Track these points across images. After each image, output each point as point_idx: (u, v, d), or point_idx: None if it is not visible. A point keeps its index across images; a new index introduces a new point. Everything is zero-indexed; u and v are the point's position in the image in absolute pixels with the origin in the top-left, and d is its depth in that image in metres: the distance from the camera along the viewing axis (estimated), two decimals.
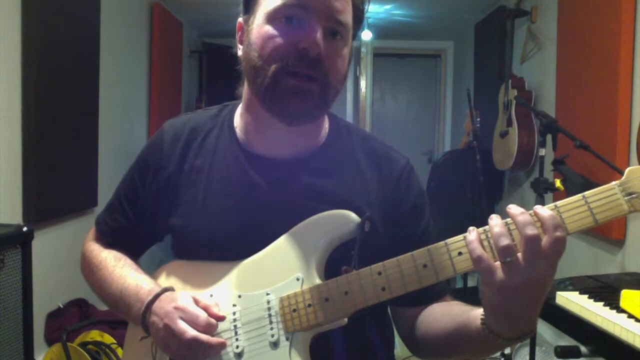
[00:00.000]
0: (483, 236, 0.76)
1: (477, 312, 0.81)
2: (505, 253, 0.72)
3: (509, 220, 0.74)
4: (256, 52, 0.89)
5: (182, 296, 0.88)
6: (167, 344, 0.86)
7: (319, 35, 0.86)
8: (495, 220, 0.75)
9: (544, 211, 0.73)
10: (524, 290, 0.72)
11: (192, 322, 0.84)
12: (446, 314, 0.92)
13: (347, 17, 0.90)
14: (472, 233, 0.76)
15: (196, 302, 0.87)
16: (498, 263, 0.73)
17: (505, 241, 0.72)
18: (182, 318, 0.85)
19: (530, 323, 0.76)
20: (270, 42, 0.87)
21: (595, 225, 0.74)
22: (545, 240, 0.71)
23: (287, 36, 0.87)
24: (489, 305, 0.77)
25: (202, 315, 0.85)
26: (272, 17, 0.88)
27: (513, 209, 0.74)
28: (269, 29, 0.88)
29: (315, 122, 0.97)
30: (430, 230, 1.01)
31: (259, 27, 0.90)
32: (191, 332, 0.83)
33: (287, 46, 0.86)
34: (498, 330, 0.77)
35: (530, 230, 0.71)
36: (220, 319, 0.87)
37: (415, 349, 1.00)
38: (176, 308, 0.86)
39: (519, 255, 0.72)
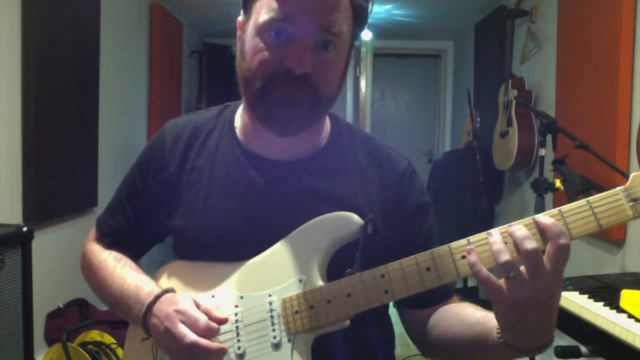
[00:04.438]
0: (482, 250, 0.76)
1: (494, 323, 0.80)
2: (507, 269, 0.72)
3: (503, 228, 0.75)
4: (246, 63, 0.89)
5: (183, 299, 0.87)
6: (169, 347, 0.85)
7: (305, 53, 0.85)
8: (494, 237, 0.75)
9: (546, 219, 0.73)
10: (534, 302, 0.72)
11: (192, 325, 0.83)
12: (460, 320, 0.91)
13: (341, 27, 0.87)
14: (473, 254, 0.75)
15: (197, 305, 0.86)
16: (504, 280, 0.73)
17: (504, 257, 0.72)
18: (182, 321, 0.83)
19: (549, 332, 0.77)
20: (258, 57, 0.87)
21: (600, 230, 0.74)
22: (549, 248, 0.72)
23: (274, 52, 0.86)
24: (503, 322, 0.77)
25: (202, 319, 0.83)
26: (261, 30, 0.87)
27: (513, 226, 0.74)
28: (258, 42, 0.87)
29: (306, 131, 0.95)
30: (435, 232, 1.00)
31: (250, 36, 0.89)
32: (191, 336, 0.82)
33: (274, 63, 0.86)
34: (516, 343, 0.77)
35: (529, 245, 0.72)
36: (222, 321, 0.86)
37: (428, 352, 0.99)
38: (177, 311, 0.84)
39: (522, 268, 0.72)
